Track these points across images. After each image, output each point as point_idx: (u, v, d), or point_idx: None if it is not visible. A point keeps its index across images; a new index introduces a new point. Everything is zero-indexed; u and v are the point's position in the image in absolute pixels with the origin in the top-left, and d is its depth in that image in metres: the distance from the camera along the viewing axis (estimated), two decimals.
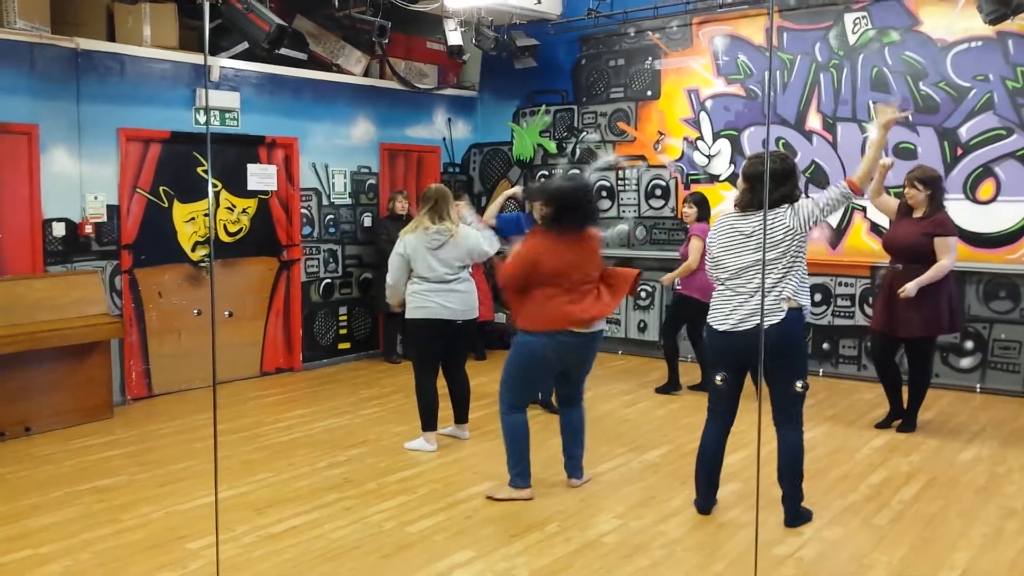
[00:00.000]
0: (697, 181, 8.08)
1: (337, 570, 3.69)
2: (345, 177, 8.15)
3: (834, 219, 7.48)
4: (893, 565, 3.67)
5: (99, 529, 4.15)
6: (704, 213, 6.68)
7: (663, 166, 8.35)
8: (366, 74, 8.32)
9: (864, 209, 7.34)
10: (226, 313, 7.29)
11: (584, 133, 8.78)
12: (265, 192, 7.61)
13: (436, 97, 8.96)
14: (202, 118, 6.99)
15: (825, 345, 7.55)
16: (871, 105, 7.24)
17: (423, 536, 4.04)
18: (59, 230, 6.26)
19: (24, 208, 6.09)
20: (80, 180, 6.35)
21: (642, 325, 8.55)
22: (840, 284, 7.50)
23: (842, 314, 7.49)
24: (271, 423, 6.11)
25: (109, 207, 6.54)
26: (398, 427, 5.90)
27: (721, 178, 7.99)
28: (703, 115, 8.08)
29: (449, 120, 9.14)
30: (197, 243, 7.15)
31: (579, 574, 3.63)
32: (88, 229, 6.39)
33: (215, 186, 7.23)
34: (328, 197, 8.05)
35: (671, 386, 6.92)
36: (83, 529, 4.15)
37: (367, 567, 3.72)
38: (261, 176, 7.57)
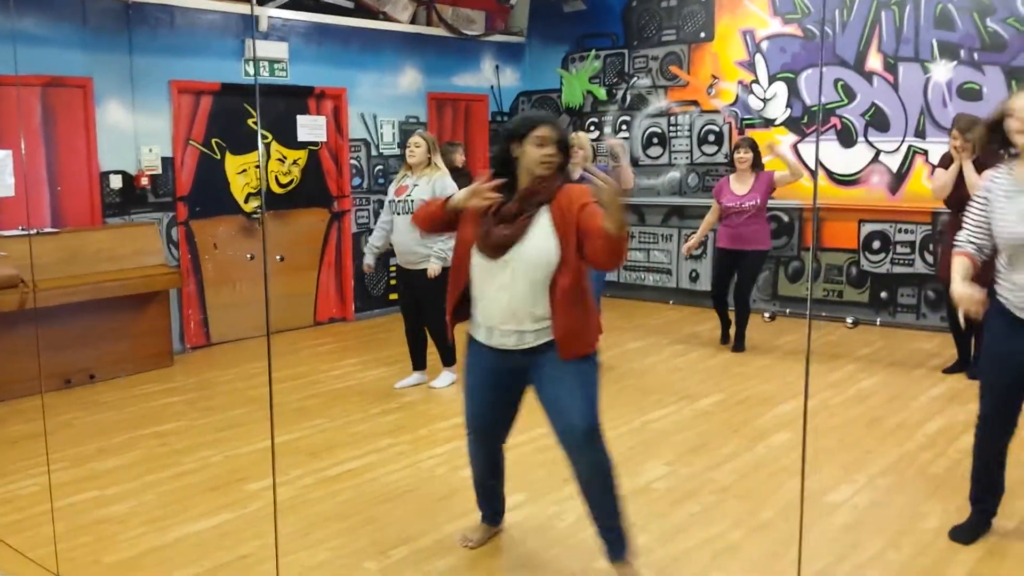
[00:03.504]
0: (752, 126, 7.89)
1: (392, 512, 3.77)
2: (393, 127, 8.14)
3: (894, 163, 7.27)
4: (949, 513, 3.61)
5: (161, 472, 4.29)
6: (759, 159, 6.49)
7: (716, 111, 8.16)
8: (413, 21, 8.24)
9: (925, 153, 7.11)
10: (277, 258, 7.34)
11: (635, 78, 8.61)
12: (315, 143, 7.64)
13: (483, 44, 8.85)
14: (251, 69, 7.01)
15: (883, 294, 7.38)
16: (934, 44, 6.97)
17: None
18: (116, 182, 6.38)
19: (81, 161, 6.21)
20: (135, 133, 6.44)
21: (694, 275, 8.44)
22: (900, 231, 7.30)
23: (901, 261, 7.30)
24: (325, 371, 6.22)
25: (163, 159, 6.63)
26: (450, 375, 5.95)
27: (777, 122, 7.77)
28: (758, 57, 7.85)
29: (497, 67, 9.03)
30: (250, 195, 7.23)
31: (628, 519, 3.64)
32: (144, 181, 6.50)
33: (265, 137, 7.28)
34: (377, 148, 8.05)
35: (734, 344, 6.65)
36: (146, 471, 4.30)
37: (420, 509, 3.79)
38: (311, 127, 7.60)
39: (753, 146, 6.45)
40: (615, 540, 3.07)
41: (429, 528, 3.59)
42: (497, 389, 3.11)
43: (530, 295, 2.90)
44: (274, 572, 3.22)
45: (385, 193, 7.98)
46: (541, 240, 2.88)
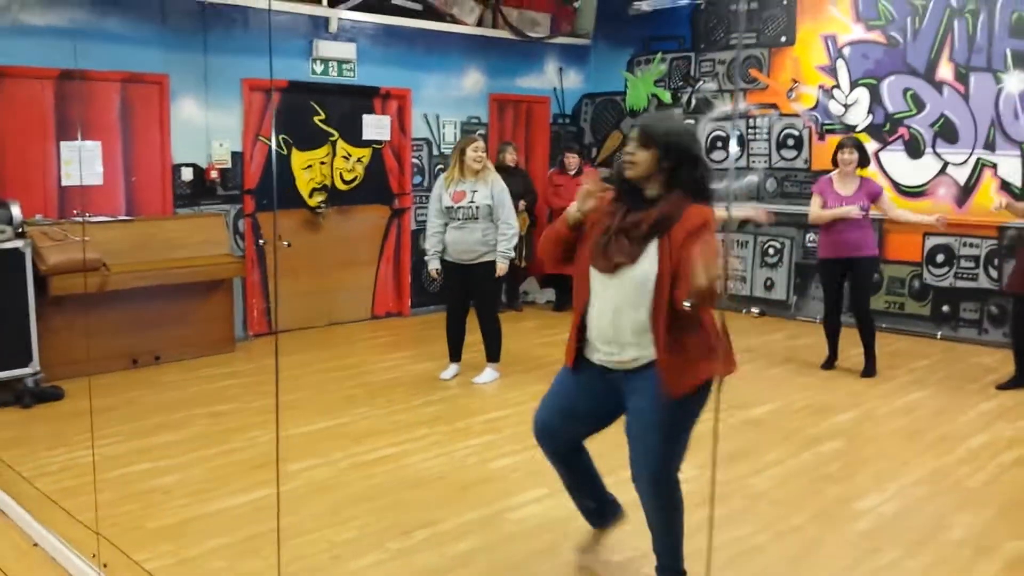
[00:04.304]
0: (832, 131, 7.73)
1: (420, 496, 3.91)
2: (455, 127, 8.29)
3: (962, 176, 7.08)
4: (974, 526, 3.56)
5: (211, 448, 4.52)
6: (865, 159, 6.01)
7: (796, 115, 8.03)
8: (479, 24, 8.38)
9: (995, 166, 6.91)
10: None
11: (701, 82, 8.56)
12: (379, 142, 7.86)
13: (548, 46, 8.95)
14: (319, 68, 7.28)
15: (945, 307, 7.20)
16: (1007, 54, 6.77)
17: (503, 473, 4.21)
18: (187, 175, 6.69)
19: (156, 154, 6.55)
20: (207, 128, 6.75)
21: (769, 283, 8.30)
22: (965, 244, 7.11)
23: (965, 276, 7.11)
24: (376, 362, 6.42)
25: (233, 154, 6.92)
26: (493, 372, 6.06)
27: (858, 129, 7.61)
28: (840, 62, 7.71)
29: (561, 70, 9.11)
30: (314, 189, 7.48)
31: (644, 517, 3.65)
32: (214, 174, 6.80)
33: (331, 135, 7.53)
34: (438, 147, 8.22)
35: (865, 368, 6.09)
36: (197, 447, 4.54)
37: (447, 495, 3.92)
38: (376, 126, 7.82)
39: (859, 146, 5.96)
40: (668, 564, 3.01)
41: (452, 514, 3.70)
42: (582, 400, 2.99)
43: (633, 316, 2.78)
44: (303, 546, 3.40)
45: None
46: (648, 263, 2.76)
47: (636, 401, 2.84)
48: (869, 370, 6.03)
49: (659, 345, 2.76)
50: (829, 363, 6.24)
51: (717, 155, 8.49)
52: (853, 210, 5.83)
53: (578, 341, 2.96)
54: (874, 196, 5.96)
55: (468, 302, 5.85)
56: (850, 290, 6.10)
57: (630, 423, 2.89)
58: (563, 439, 3.09)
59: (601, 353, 2.89)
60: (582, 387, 2.99)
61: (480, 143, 5.67)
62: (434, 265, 5.80)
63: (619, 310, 2.80)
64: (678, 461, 2.90)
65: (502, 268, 5.67)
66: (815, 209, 6.04)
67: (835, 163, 6.04)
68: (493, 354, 5.89)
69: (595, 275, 2.88)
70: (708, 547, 2.79)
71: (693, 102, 8.63)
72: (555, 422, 3.07)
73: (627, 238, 2.78)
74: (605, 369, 2.90)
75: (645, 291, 2.76)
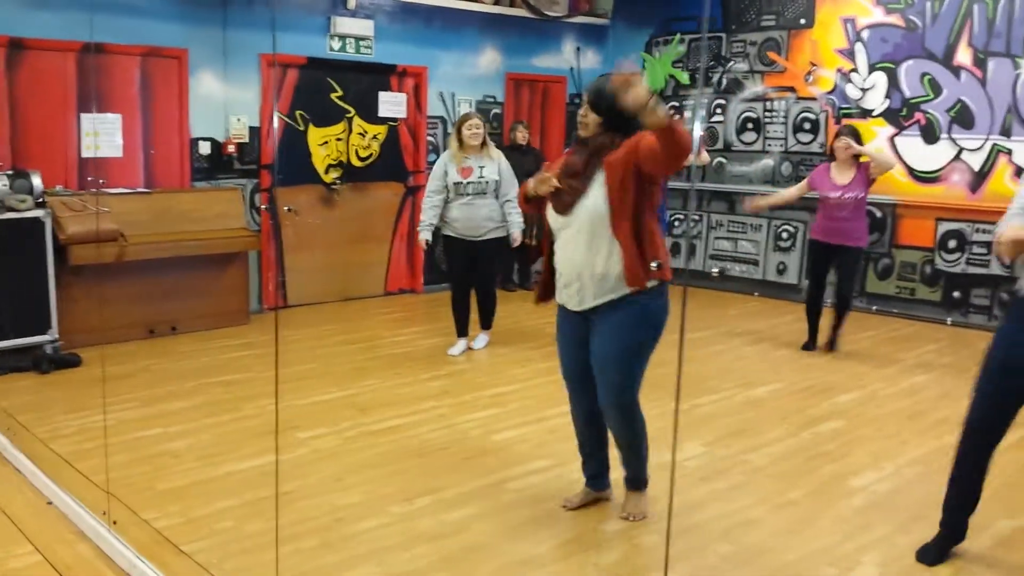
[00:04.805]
0: (849, 115, 7.71)
1: (424, 465, 4.00)
2: (470, 106, 8.32)
3: (976, 161, 7.05)
4: None
5: (222, 415, 4.64)
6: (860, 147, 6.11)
7: (813, 98, 7.99)
8: (496, 2, 8.39)
9: (1010, 152, 6.87)
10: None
11: (732, 63, 8.50)
12: (394, 119, 7.92)
13: (566, 25, 8.94)
14: (336, 45, 7.34)
15: (956, 293, 7.20)
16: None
17: (506, 444, 4.29)
18: (205, 149, 6.79)
19: (174, 127, 6.64)
20: (225, 102, 6.83)
21: (781, 267, 8.32)
22: (977, 230, 7.08)
23: (977, 262, 7.09)
24: (387, 337, 6.51)
25: (250, 128, 7.01)
26: (501, 349, 6.17)
27: (875, 113, 7.58)
28: (859, 46, 7.66)
29: (578, 49, 9.11)
30: (330, 166, 7.56)
31: (649, 491, 3.74)
32: (231, 149, 6.89)
33: (347, 112, 7.60)
34: (453, 125, 8.25)
35: (829, 343, 6.32)
36: (208, 414, 4.65)
37: (450, 465, 4.01)
38: (392, 104, 7.88)
39: (854, 134, 6.06)
40: (634, 475, 3.48)
41: (453, 483, 3.79)
42: (576, 346, 3.34)
43: (591, 247, 3.13)
44: (307, 509, 3.50)
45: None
46: (598, 193, 3.11)
47: (596, 340, 3.23)
48: (832, 344, 6.26)
49: (625, 253, 3.09)
50: (810, 344, 6.36)
51: (747, 136, 8.45)
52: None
53: (550, 281, 3.37)
54: (869, 179, 6.01)
55: (473, 278, 5.97)
56: (836, 277, 6.22)
57: (593, 361, 3.27)
58: (587, 386, 3.37)
59: (567, 296, 3.27)
60: (569, 327, 3.36)
61: (475, 120, 5.81)
62: (425, 236, 5.90)
63: (577, 248, 3.17)
64: (637, 387, 3.28)
65: (516, 237, 5.94)
66: (792, 190, 6.35)
67: (831, 153, 6.13)
68: (488, 323, 6.19)
69: (554, 217, 3.26)
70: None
71: (724, 82, 8.55)
72: (572, 366, 3.42)
73: (572, 177, 3.18)
74: (572, 311, 3.29)
75: (598, 222, 3.11)
